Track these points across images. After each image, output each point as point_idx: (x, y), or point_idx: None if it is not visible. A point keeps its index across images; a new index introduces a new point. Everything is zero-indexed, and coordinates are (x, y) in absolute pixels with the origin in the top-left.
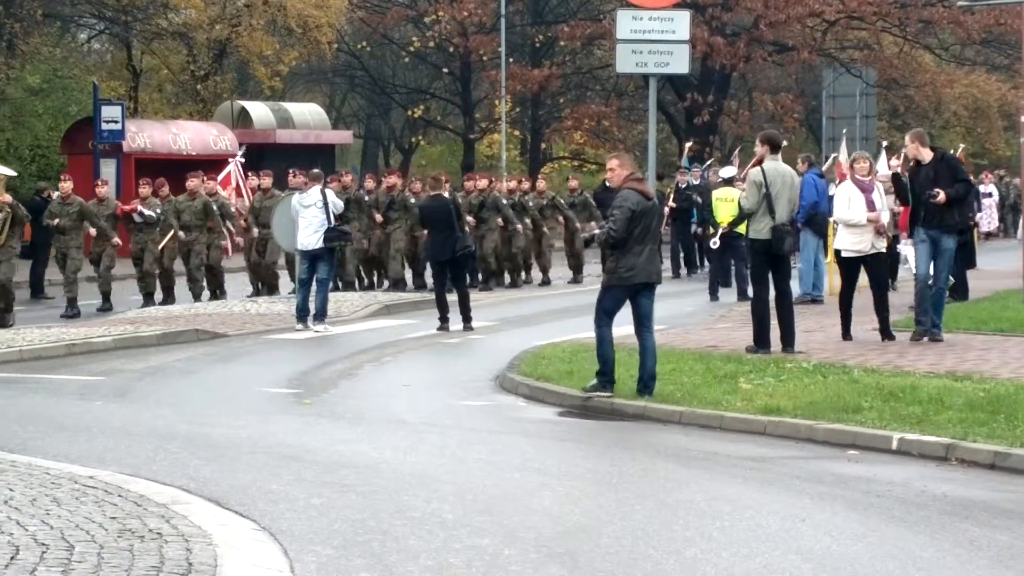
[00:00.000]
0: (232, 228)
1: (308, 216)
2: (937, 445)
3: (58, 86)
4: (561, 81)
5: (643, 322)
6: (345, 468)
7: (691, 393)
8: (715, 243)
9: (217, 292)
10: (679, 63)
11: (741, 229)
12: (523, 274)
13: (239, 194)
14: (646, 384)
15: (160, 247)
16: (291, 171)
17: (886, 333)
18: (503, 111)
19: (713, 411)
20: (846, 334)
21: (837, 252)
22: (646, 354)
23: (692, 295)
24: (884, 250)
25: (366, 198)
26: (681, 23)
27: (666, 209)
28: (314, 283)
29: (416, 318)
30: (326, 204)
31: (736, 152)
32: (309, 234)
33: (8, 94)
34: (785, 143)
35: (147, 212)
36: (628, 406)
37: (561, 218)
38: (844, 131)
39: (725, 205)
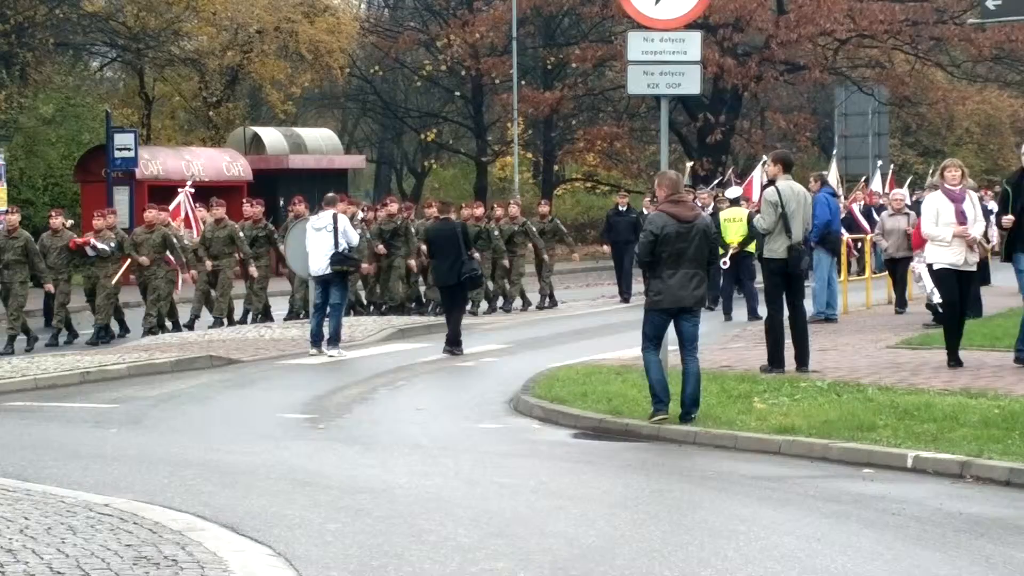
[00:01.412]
0: (183, 260)
1: (318, 239)
2: (952, 462)
3: (70, 114)
4: (573, 103)
5: (685, 345)
6: (360, 492)
7: (705, 413)
8: (725, 263)
9: (167, 325)
10: (691, 84)
11: (751, 248)
12: (485, 301)
13: (188, 225)
14: (688, 410)
15: (114, 281)
16: (246, 200)
17: (953, 359)
18: (515, 133)
19: (727, 431)
20: (953, 359)
21: (930, 267)
22: (687, 378)
23: (705, 315)
24: (975, 267)
25: None
26: (692, 44)
27: None
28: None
29: (429, 342)
30: (335, 229)
31: (730, 171)
32: (319, 259)
33: (21, 123)
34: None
35: (100, 245)
36: (642, 427)
37: (530, 244)
38: (834, 151)
39: (733, 225)
